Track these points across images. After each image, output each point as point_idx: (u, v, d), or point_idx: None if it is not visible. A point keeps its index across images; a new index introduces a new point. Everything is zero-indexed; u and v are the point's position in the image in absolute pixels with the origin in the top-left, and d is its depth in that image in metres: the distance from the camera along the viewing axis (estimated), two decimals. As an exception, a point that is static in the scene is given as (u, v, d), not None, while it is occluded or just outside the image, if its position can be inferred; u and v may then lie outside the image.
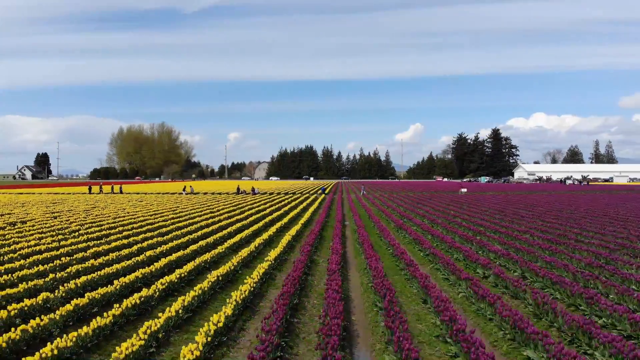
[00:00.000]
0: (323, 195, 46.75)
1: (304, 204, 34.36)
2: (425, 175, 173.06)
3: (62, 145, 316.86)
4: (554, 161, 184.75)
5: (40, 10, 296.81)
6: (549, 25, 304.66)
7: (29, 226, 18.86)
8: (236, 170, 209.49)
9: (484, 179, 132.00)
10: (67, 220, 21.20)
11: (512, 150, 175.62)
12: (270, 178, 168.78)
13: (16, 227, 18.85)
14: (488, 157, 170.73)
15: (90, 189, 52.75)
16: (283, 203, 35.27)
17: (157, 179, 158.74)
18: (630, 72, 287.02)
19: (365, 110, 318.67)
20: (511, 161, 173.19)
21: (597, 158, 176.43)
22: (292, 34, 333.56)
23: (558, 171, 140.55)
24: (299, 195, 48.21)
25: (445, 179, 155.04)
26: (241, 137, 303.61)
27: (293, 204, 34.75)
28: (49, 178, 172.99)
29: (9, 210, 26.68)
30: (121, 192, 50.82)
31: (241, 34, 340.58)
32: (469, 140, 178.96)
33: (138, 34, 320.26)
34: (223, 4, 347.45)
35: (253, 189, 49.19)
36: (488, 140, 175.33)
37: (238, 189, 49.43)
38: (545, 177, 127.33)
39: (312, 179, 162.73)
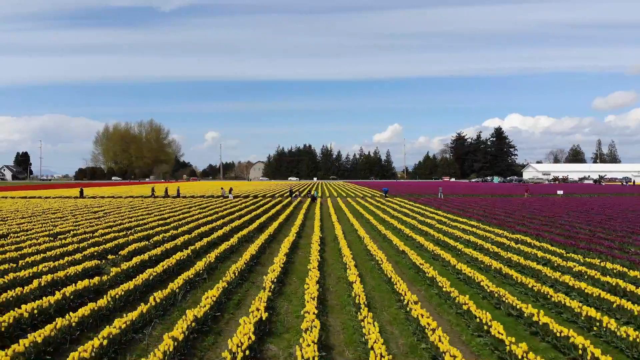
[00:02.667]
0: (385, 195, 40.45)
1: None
2: (427, 176, 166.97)
3: (36, 145, 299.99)
4: (556, 160, 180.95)
5: (10, 6, 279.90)
6: (523, 28, 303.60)
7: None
8: (228, 170, 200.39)
9: (496, 179, 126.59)
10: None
11: (510, 150, 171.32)
12: (289, 178, 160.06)
13: (121, 266, 11.03)
14: (492, 156, 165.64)
15: (153, 191, 44.44)
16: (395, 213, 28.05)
17: (147, 180, 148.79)
18: (604, 74, 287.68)
19: (341, 110, 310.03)
20: (509, 161, 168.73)
21: (600, 158, 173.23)
22: (269, 33, 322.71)
23: (574, 171, 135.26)
24: (370, 197, 41.26)
25: (453, 179, 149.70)
26: (220, 137, 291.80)
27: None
28: (31, 178, 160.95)
29: (52, 224, 18.51)
30: (179, 196, 41.72)
31: (220, 33, 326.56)
32: (468, 140, 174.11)
33: (112, 32, 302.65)
34: (202, 2, 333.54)
35: (310, 193, 41.69)
36: (490, 139, 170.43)
37: (291, 191, 41.79)
38: (561, 177, 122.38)
39: (316, 180, 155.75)
